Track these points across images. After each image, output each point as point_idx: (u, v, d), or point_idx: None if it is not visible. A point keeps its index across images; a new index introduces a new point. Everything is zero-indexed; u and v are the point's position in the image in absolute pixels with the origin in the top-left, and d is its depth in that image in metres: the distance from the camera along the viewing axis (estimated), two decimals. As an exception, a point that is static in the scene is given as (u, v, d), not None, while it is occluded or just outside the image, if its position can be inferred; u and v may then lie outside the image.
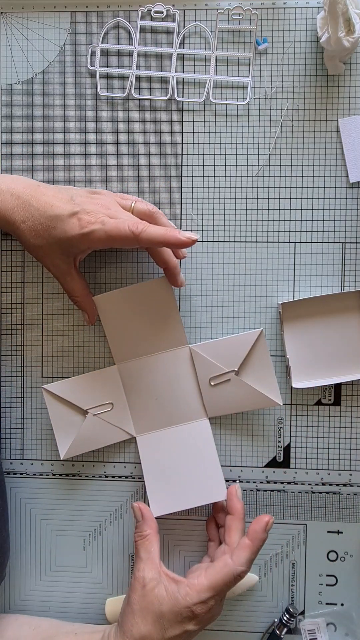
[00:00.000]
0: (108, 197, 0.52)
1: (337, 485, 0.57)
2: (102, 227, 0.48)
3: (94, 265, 0.58)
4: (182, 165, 0.57)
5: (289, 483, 0.57)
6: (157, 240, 0.49)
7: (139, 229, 0.48)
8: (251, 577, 0.57)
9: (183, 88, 0.56)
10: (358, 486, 0.57)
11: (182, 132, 0.57)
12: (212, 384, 0.55)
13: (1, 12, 0.57)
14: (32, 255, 0.52)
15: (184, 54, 0.56)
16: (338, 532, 0.57)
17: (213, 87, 0.56)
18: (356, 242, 0.56)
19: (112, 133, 0.57)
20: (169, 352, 0.56)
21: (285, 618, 0.57)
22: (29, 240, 0.50)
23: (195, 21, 0.56)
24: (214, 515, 0.57)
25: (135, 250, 0.57)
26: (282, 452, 0.57)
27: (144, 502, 0.57)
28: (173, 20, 0.56)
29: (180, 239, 0.49)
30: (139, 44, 0.56)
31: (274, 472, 0.58)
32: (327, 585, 0.58)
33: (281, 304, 0.55)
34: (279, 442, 0.57)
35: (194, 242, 0.49)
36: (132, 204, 0.52)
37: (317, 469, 0.57)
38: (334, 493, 0.57)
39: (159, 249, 0.52)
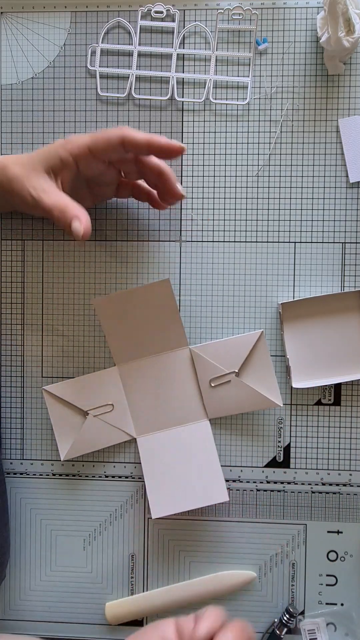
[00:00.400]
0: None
1: (337, 485, 0.57)
2: (87, 135, 0.48)
3: (93, 266, 0.58)
4: (182, 165, 0.57)
5: (289, 483, 0.58)
6: (142, 141, 0.48)
7: (125, 131, 0.47)
8: (249, 574, 0.57)
9: (183, 88, 0.56)
10: (358, 486, 0.57)
11: (182, 132, 0.57)
12: (213, 385, 0.55)
13: (1, 12, 0.57)
14: (12, 195, 0.50)
15: (184, 54, 0.56)
16: (338, 532, 0.57)
17: (213, 87, 0.56)
18: (356, 242, 0.56)
19: (112, 133, 0.57)
20: (170, 354, 0.56)
21: (285, 618, 0.57)
22: (12, 171, 0.49)
23: (195, 21, 0.56)
24: None
25: (135, 250, 0.57)
26: (282, 452, 0.57)
27: (145, 503, 0.57)
28: (173, 20, 0.56)
29: (167, 142, 0.48)
30: (139, 44, 0.56)
31: (274, 472, 0.58)
32: (327, 585, 0.58)
33: (281, 304, 0.55)
34: (279, 442, 0.57)
35: (181, 149, 0.48)
36: None
37: (317, 469, 0.57)
38: (334, 493, 0.57)
39: (146, 159, 0.51)
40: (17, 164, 0.49)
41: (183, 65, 0.56)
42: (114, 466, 0.58)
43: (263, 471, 0.58)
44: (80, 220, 0.47)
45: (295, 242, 0.57)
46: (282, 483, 0.58)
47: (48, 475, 0.59)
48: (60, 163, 0.49)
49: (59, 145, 0.49)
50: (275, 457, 0.58)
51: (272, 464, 0.57)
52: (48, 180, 0.49)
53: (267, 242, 0.57)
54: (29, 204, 0.49)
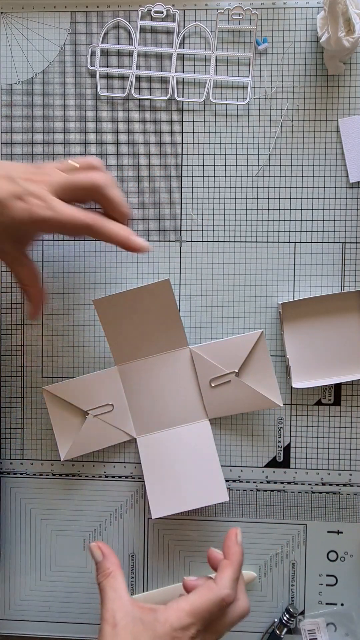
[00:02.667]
0: (49, 167, 0.48)
1: (337, 485, 0.57)
2: (54, 215, 0.45)
3: (93, 266, 0.58)
4: (182, 165, 0.57)
5: (289, 483, 0.58)
6: (110, 235, 0.47)
7: (96, 222, 0.47)
8: (249, 574, 0.57)
9: (183, 88, 0.56)
10: (358, 486, 0.57)
11: (182, 132, 0.57)
12: (213, 385, 0.55)
13: (1, 12, 0.57)
14: None
15: (184, 54, 0.56)
16: (338, 532, 0.57)
17: (213, 87, 0.56)
18: (356, 242, 0.56)
19: (112, 133, 0.57)
20: (170, 354, 0.56)
21: (285, 618, 0.57)
22: None
23: (195, 21, 0.56)
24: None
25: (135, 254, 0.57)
26: (282, 452, 0.57)
27: (145, 503, 0.57)
28: (173, 20, 0.56)
29: (131, 242, 0.47)
30: (139, 44, 0.56)
31: (274, 472, 0.58)
32: (327, 585, 0.58)
33: (281, 304, 0.55)
34: (279, 442, 0.57)
35: (144, 250, 0.48)
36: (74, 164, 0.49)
37: (317, 469, 0.57)
38: (334, 493, 0.57)
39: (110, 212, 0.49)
40: None
41: (183, 65, 0.56)
42: (114, 466, 0.58)
43: (263, 471, 0.58)
44: (33, 307, 0.50)
45: (295, 242, 0.57)
46: (282, 483, 0.58)
47: (48, 475, 0.59)
48: (31, 240, 0.49)
49: (29, 223, 0.46)
50: (275, 457, 0.58)
51: (272, 464, 0.57)
52: (15, 247, 0.48)
53: (267, 242, 0.57)
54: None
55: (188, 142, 0.57)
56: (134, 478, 0.58)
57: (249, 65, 0.56)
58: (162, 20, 0.56)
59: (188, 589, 0.47)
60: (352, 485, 0.57)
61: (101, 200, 0.48)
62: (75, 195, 0.47)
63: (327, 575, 0.58)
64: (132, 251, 0.48)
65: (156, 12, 0.56)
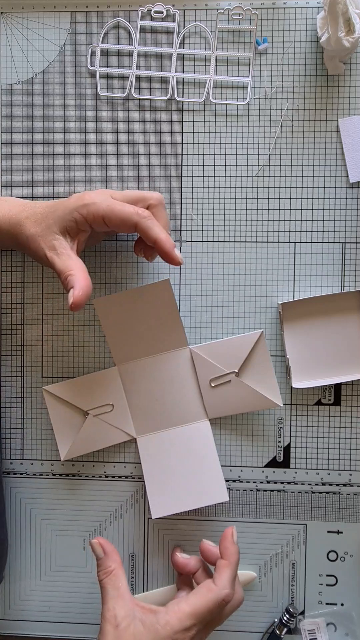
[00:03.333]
0: None
1: (337, 485, 0.57)
2: (105, 201, 0.48)
3: (93, 267, 0.58)
4: (182, 165, 0.57)
5: (289, 483, 0.58)
6: (152, 235, 0.49)
7: (144, 214, 0.48)
8: (249, 574, 0.57)
9: (183, 88, 0.56)
10: (358, 486, 0.57)
11: (182, 132, 0.57)
12: (213, 385, 0.55)
13: (1, 12, 0.57)
14: (30, 252, 0.51)
15: (184, 54, 0.56)
16: (338, 532, 0.57)
17: (213, 87, 0.56)
18: (356, 242, 0.56)
19: (112, 133, 0.57)
20: (170, 354, 0.56)
21: (285, 618, 0.57)
22: (29, 230, 0.50)
23: (195, 21, 0.56)
24: (202, 559, 0.53)
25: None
26: (282, 452, 0.57)
27: (145, 503, 0.57)
28: (173, 20, 0.56)
29: (172, 254, 0.49)
30: (139, 44, 0.56)
31: (274, 472, 0.58)
32: (327, 585, 0.58)
33: (281, 304, 0.55)
34: (279, 442, 0.57)
35: (178, 263, 0.50)
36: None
37: (317, 469, 0.57)
38: (334, 493, 0.57)
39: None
40: (32, 220, 0.50)
41: (183, 65, 0.56)
42: (114, 466, 0.58)
43: (263, 471, 0.58)
44: (74, 292, 0.47)
45: (295, 242, 0.57)
46: (282, 483, 0.58)
47: (48, 475, 0.59)
48: (75, 226, 0.49)
49: (74, 207, 0.49)
50: (275, 457, 0.58)
51: (272, 464, 0.57)
52: (62, 242, 0.49)
53: (267, 242, 0.57)
54: (42, 261, 0.50)
55: (188, 142, 0.57)
56: (134, 478, 0.58)
57: (249, 65, 0.56)
58: (162, 20, 0.56)
59: (178, 567, 0.52)
60: (352, 485, 0.57)
61: (141, 234, 0.50)
62: (117, 227, 0.49)
63: (327, 575, 0.58)
64: (170, 262, 0.50)
65: (156, 12, 0.56)
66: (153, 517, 0.55)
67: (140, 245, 0.53)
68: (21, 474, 0.59)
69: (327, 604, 0.58)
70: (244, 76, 0.56)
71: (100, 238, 0.56)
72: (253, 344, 0.55)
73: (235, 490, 0.58)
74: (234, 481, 0.58)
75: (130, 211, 0.48)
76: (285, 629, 0.57)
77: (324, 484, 0.57)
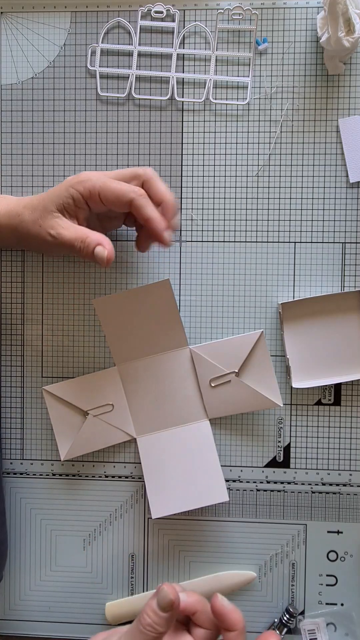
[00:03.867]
0: None
1: (337, 485, 0.57)
2: (100, 178, 0.49)
3: (94, 266, 0.58)
4: (182, 165, 0.57)
5: (289, 483, 0.58)
6: (146, 213, 0.49)
7: (140, 192, 0.49)
8: (249, 574, 0.57)
9: (183, 88, 0.56)
10: (358, 486, 0.57)
11: (182, 132, 0.57)
12: (213, 385, 0.55)
13: (1, 12, 0.57)
14: (32, 241, 0.51)
15: (184, 54, 0.56)
16: (338, 532, 0.57)
17: (213, 87, 0.56)
18: (356, 242, 0.56)
19: (112, 133, 0.57)
20: (170, 354, 0.56)
21: (285, 618, 0.57)
22: (28, 217, 0.50)
23: (195, 21, 0.56)
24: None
25: (135, 250, 0.57)
26: (282, 452, 0.57)
27: (145, 503, 0.57)
28: (173, 20, 0.56)
29: (161, 233, 0.49)
30: (139, 44, 0.56)
31: (274, 472, 0.58)
32: (327, 585, 0.58)
33: (281, 304, 0.55)
34: (279, 442, 0.57)
35: (167, 244, 0.50)
36: None
37: (317, 469, 0.57)
38: (334, 493, 0.57)
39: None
40: (30, 208, 0.51)
41: (183, 65, 0.56)
42: (114, 466, 0.58)
43: (263, 471, 0.58)
44: (104, 245, 0.49)
45: (295, 242, 0.57)
46: (282, 483, 0.58)
47: (48, 475, 0.59)
48: (72, 202, 0.49)
49: (70, 184, 0.49)
50: (275, 457, 0.58)
51: (272, 464, 0.57)
52: (63, 219, 0.50)
53: (267, 242, 0.57)
54: (50, 243, 0.50)
55: (188, 142, 0.57)
56: (134, 478, 0.58)
57: (249, 65, 0.56)
58: (162, 20, 0.56)
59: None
60: (352, 485, 0.57)
61: (135, 211, 0.50)
62: (113, 204, 0.50)
63: (327, 575, 0.58)
64: (160, 241, 0.50)
65: (156, 12, 0.56)
66: (153, 517, 0.55)
67: (140, 240, 0.53)
68: (21, 474, 0.59)
69: (327, 604, 0.58)
70: (244, 76, 0.56)
71: (115, 224, 0.55)
72: (253, 344, 0.55)
73: (235, 490, 0.58)
74: (234, 481, 0.58)
75: (126, 188, 0.49)
76: (285, 629, 0.57)
77: (324, 484, 0.57)
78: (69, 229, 0.49)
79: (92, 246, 0.49)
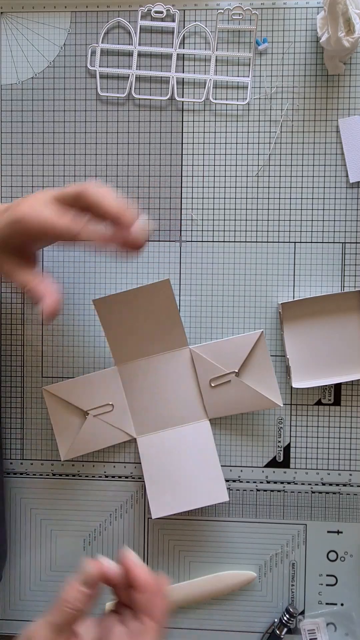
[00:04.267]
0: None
1: (337, 485, 0.57)
2: (38, 216, 0.44)
3: (93, 266, 0.58)
4: (182, 165, 0.57)
5: (289, 483, 0.58)
6: (99, 241, 0.45)
7: (79, 226, 0.44)
8: (249, 574, 0.57)
9: (183, 88, 0.56)
10: (358, 486, 0.57)
11: (182, 132, 0.57)
12: (213, 385, 0.55)
13: (1, 12, 0.57)
14: None
15: (184, 54, 0.56)
16: (338, 532, 0.57)
17: (213, 87, 0.56)
18: (356, 242, 0.56)
19: (112, 133, 0.57)
20: (169, 354, 0.56)
21: (285, 618, 0.57)
22: None
23: (195, 21, 0.56)
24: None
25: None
26: (282, 452, 0.57)
27: (145, 503, 0.57)
28: (173, 20, 0.56)
29: (125, 216, 0.45)
30: (139, 44, 0.56)
31: (274, 472, 0.58)
32: (327, 585, 0.58)
33: (281, 304, 0.55)
34: (279, 442, 0.57)
35: (140, 234, 0.46)
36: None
37: (317, 469, 0.57)
38: (334, 493, 0.57)
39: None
40: None
41: (183, 65, 0.56)
42: (114, 466, 0.58)
43: (263, 471, 0.58)
44: (49, 302, 0.46)
45: (295, 242, 0.57)
46: (282, 483, 0.58)
47: (48, 475, 0.59)
48: (13, 241, 0.47)
49: (7, 222, 0.45)
50: (275, 457, 0.58)
51: (272, 464, 0.57)
52: (13, 260, 0.47)
53: (267, 242, 0.57)
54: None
55: (188, 142, 0.57)
56: (134, 478, 0.58)
57: (249, 65, 0.56)
58: (162, 20, 0.56)
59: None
60: (352, 485, 0.57)
61: (90, 208, 0.46)
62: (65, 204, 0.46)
63: (327, 575, 0.58)
64: (124, 230, 0.45)
65: (156, 12, 0.56)
66: (153, 517, 0.55)
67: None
68: (21, 474, 0.59)
69: (327, 604, 0.58)
70: (244, 76, 0.56)
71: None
72: (253, 344, 0.55)
73: (235, 490, 0.58)
74: (234, 481, 0.58)
75: (64, 229, 0.44)
76: (285, 629, 0.57)
77: (324, 484, 0.57)
78: (23, 272, 0.47)
79: (35, 295, 0.46)
